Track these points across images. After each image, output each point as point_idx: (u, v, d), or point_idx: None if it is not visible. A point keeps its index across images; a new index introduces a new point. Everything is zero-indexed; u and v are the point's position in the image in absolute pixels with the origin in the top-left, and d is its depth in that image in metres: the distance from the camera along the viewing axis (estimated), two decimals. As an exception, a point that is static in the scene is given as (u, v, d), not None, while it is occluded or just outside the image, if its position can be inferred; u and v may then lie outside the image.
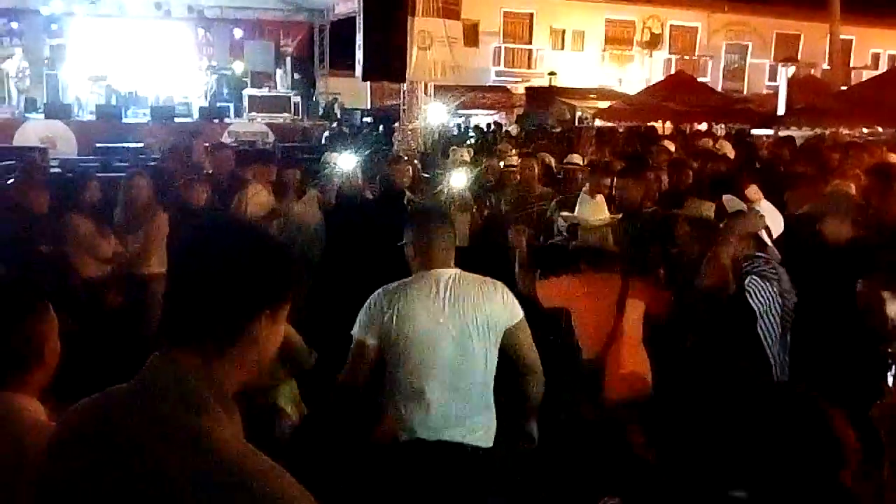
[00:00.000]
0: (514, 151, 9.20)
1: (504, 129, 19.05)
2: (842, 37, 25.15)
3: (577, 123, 23.80)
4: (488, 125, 20.93)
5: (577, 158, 8.37)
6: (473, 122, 23.73)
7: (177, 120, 19.15)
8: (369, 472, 3.47)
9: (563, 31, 30.97)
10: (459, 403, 3.31)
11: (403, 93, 17.86)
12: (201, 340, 1.47)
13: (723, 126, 19.37)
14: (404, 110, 17.70)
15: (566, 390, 3.60)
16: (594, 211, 4.71)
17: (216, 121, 19.44)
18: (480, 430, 3.37)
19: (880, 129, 16.14)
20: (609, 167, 7.35)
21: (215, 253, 1.50)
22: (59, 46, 20.92)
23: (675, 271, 4.17)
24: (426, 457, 3.28)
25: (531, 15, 30.44)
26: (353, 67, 17.56)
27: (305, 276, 5.98)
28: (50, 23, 20.70)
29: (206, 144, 10.41)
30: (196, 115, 20.04)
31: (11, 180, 6.54)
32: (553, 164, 8.57)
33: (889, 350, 3.41)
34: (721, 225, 4.18)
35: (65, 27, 21.17)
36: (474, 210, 6.93)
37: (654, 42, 31.96)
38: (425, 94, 17.92)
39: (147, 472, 1.36)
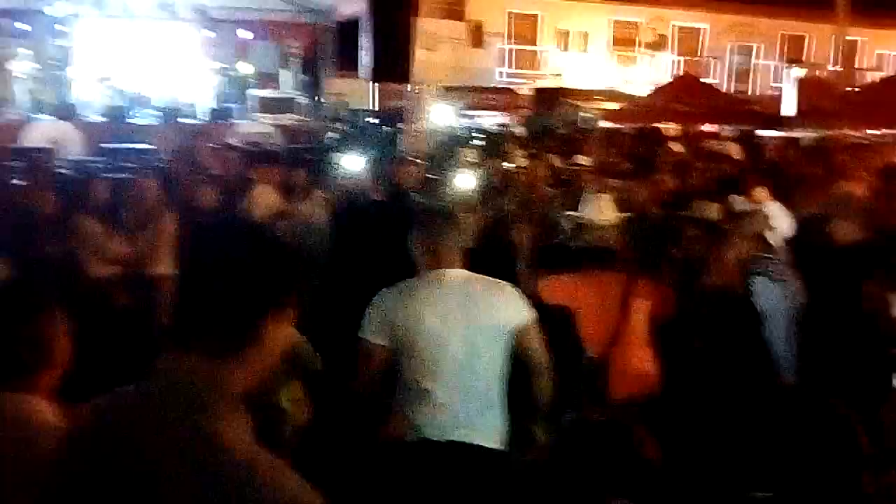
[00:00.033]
0: (520, 153, 9.20)
1: (510, 130, 19.01)
2: (848, 38, 25.06)
3: (582, 125, 23.78)
4: (494, 126, 20.91)
5: (583, 160, 8.39)
6: (479, 123, 23.71)
7: (183, 121, 19.17)
8: (377, 472, 3.47)
9: (569, 33, 30.95)
10: (468, 404, 3.30)
11: (409, 94, 17.86)
12: (210, 341, 1.48)
13: (729, 128, 19.33)
14: (410, 112, 17.69)
15: (570, 389, 3.59)
16: (600, 210, 4.70)
17: (222, 122, 19.47)
18: (490, 431, 3.36)
19: (887, 131, 16.09)
20: (615, 168, 7.36)
21: (223, 254, 1.51)
22: (66, 47, 20.96)
23: (682, 273, 4.17)
24: (434, 457, 3.27)
25: (536, 16, 30.42)
26: (358, 68, 17.58)
27: (312, 276, 6.00)
28: (57, 24, 20.74)
29: (213, 146, 10.44)
30: (202, 116, 20.08)
31: (19, 181, 6.56)
32: (559, 166, 8.57)
33: (896, 352, 3.42)
34: (727, 226, 4.18)
35: (71, 28, 21.22)
36: (480, 211, 6.93)
37: (659, 43, 31.91)
38: (431, 95, 17.92)
39: (159, 473, 1.36)
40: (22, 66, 19.62)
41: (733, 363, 3.64)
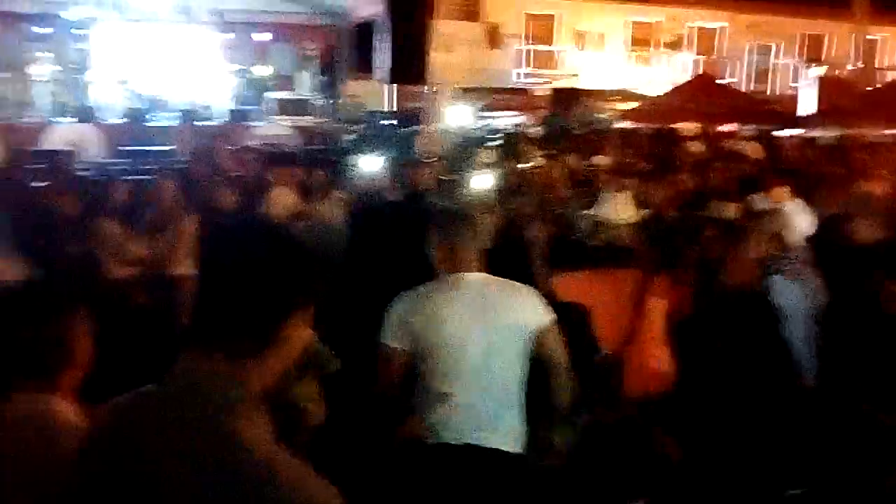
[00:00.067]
0: (537, 153, 9.19)
1: (527, 130, 18.98)
2: (868, 37, 24.88)
3: (600, 125, 23.71)
4: (511, 127, 20.87)
5: (601, 160, 8.37)
6: (496, 124, 23.68)
7: (202, 123, 19.28)
8: (394, 474, 3.47)
9: (586, 33, 30.86)
10: (488, 407, 3.28)
11: (426, 95, 17.89)
12: (233, 342, 1.48)
13: (748, 127, 19.21)
14: (427, 113, 17.71)
15: (585, 387, 3.57)
16: (617, 209, 4.68)
17: (241, 124, 19.56)
18: (509, 434, 3.34)
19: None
20: (632, 168, 7.35)
21: (246, 256, 1.51)
22: (86, 51, 21.13)
23: (699, 272, 4.15)
24: (452, 460, 3.26)
25: (553, 17, 30.37)
26: (375, 70, 17.61)
27: (330, 277, 6.00)
28: (76, 27, 20.91)
29: (232, 148, 10.49)
30: (221, 119, 20.18)
31: (40, 183, 6.62)
32: (576, 166, 8.55)
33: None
34: (745, 225, 4.16)
35: (91, 32, 21.38)
36: (497, 212, 6.93)
37: (677, 43, 31.78)
38: (448, 96, 17.94)
39: (179, 472, 1.37)
40: (42, 69, 19.79)
41: (752, 362, 3.62)
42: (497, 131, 19.81)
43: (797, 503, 3.90)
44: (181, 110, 19.87)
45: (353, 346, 4.78)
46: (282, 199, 6.93)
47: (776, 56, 32.92)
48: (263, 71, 22.82)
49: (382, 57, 16.63)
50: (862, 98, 18.14)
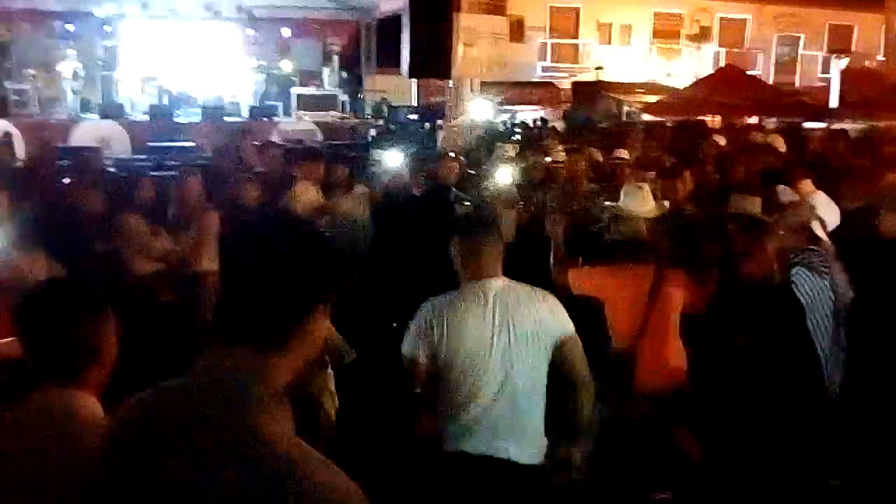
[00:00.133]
0: (560, 147, 9.13)
1: (550, 124, 18.91)
2: (897, 27, 24.53)
3: (624, 118, 23.57)
4: (534, 121, 20.80)
5: (624, 153, 8.31)
6: (519, 117, 23.62)
7: (226, 119, 19.39)
8: (414, 482, 3.49)
9: (610, 26, 30.68)
10: (508, 416, 3.28)
11: (449, 89, 17.88)
12: (257, 337, 1.49)
13: (774, 120, 19.02)
14: (450, 107, 17.71)
15: (599, 381, 3.55)
16: (639, 202, 4.66)
17: (265, 120, 19.66)
18: (530, 445, 3.34)
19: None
20: (656, 161, 7.30)
21: (271, 251, 1.52)
22: (113, 48, 21.33)
23: (721, 267, 4.10)
24: (471, 472, 3.26)
25: (577, 9, 30.21)
26: (399, 65, 17.65)
27: (353, 271, 6.05)
28: (104, 25, 21.11)
29: (256, 143, 10.53)
30: (245, 115, 20.29)
31: (68, 180, 6.69)
32: (600, 160, 8.50)
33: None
34: (770, 218, 4.12)
35: (117, 29, 21.58)
36: (520, 206, 6.92)
37: (702, 35, 31.50)
38: (471, 90, 17.92)
39: (201, 467, 1.39)
40: (70, 66, 19.99)
41: (776, 356, 3.58)
42: (521, 125, 19.76)
43: (836, 494, 3.88)
44: (207, 106, 20.00)
45: (376, 337, 4.82)
46: (305, 194, 6.95)
47: (803, 47, 32.55)
48: (288, 66, 22.90)
49: (406, 51, 16.65)
50: (890, 89, 17.89)
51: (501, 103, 23.84)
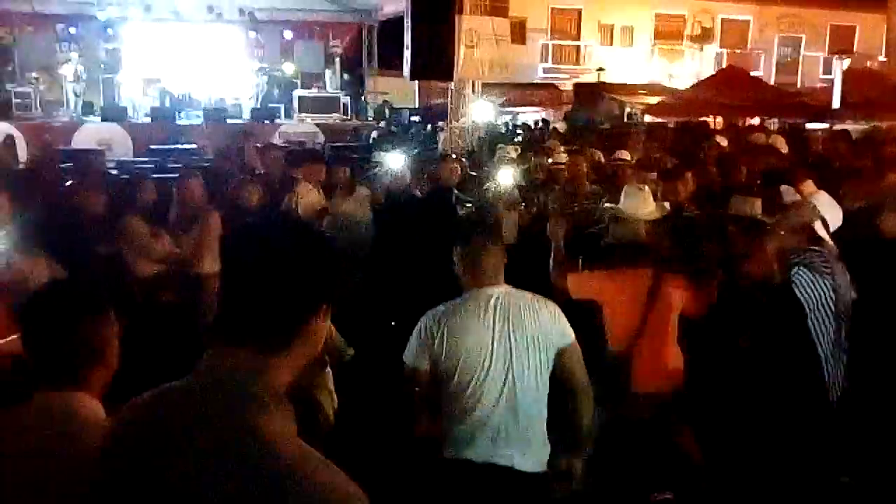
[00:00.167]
0: (562, 148, 9.14)
1: (552, 125, 18.92)
2: (898, 28, 24.51)
3: (625, 119, 23.58)
4: (536, 122, 20.82)
5: (626, 155, 8.31)
6: (521, 119, 23.65)
7: (229, 121, 19.43)
8: (415, 489, 3.49)
9: (612, 27, 30.68)
10: (510, 424, 3.27)
11: (451, 91, 17.89)
12: (258, 338, 1.50)
13: (776, 121, 19.01)
14: (452, 108, 17.72)
15: (594, 385, 3.54)
16: (639, 204, 4.65)
17: (267, 122, 19.69)
18: (532, 453, 3.33)
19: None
20: (658, 163, 7.29)
21: (272, 252, 1.52)
22: (115, 51, 21.37)
23: (722, 269, 4.10)
24: (473, 479, 3.26)
25: (579, 11, 30.23)
26: (401, 67, 17.66)
27: (355, 272, 6.05)
28: (106, 28, 21.14)
29: (258, 145, 10.55)
30: (247, 117, 20.33)
31: (70, 182, 6.69)
32: (602, 161, 8.51)
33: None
34: (772, 219, 4.12)
35: (120, 32, 21.62)
36: (522, 208, 6.92)
37: (704, 36, 31.51)
38: (473, 92, 17.93)
39: (202, 467, 1.39)
40: (73, 69, 20.03)
41: (777, 356, 3.58)
42: (522, 126, 19.78)
43: (844, 491, 3.88)
44: (209, 109, 20.03)
45: (377, 336, 4.82)
46: (307, 196, 6.96)
47: (804, 48, 32.54)
48: (290, 68, 22.92)
49: (409, 53, 16.66)
50: (892, 90, 17.88)
51: (503, 105, 23.86)
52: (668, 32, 31.33)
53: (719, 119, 19.20)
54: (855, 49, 29.02)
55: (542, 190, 7.53)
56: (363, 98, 23.76)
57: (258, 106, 21.02)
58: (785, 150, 9.31)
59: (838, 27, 32.42)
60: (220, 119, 19.28)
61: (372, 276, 6.18)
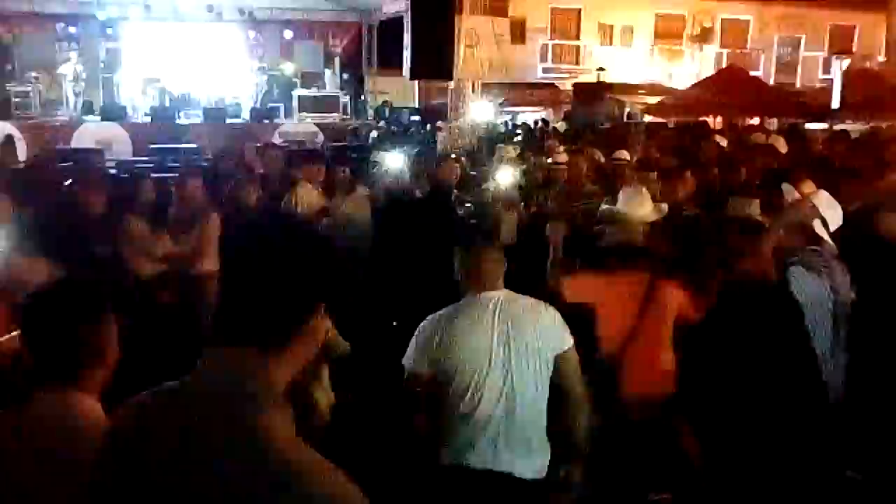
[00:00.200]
0: (561, 148, 9.15)
1: (551, 125, 18.92)
2: (898, 28, 24.52)
3: (625, 119, 23.57)
4: (535, 122, 20.82)
5: (625, 154, 8.31)
6: (520, 119, 23.65)
7: (228, 121, 19.43)
8: (414, 495, 3.48)
9: (612, 27, 30.67)
10: (509, 429, 3.26)
11: (451, 91, 17.90)
12: (258, 337, 1.50)
13: (775, 121, 19.01)
14: (451, 108, 17.73)
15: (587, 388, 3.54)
16: (636, 205, 4.64)
17: (267, 121, 19.70)
18: (532, 458, 3.32)
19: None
20: (657, 163, 7.29)
21: (272, 251, 1.52)
22: (115, 50, 21.39)
23: (719, 270, 4.09)
24: (472, 486, 3.25)
25: (579, 11, 30.21)
26: (401, 66, 17.67)
27: (355, 271, 6.04)
28: (105, 27, 21.16)
29: (257, 145, 10.55)
30: (247, 116, 20.34)
31: (70, 182, 6.69)
32: (601, 161, 8.51)
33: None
34: (770, 220, 4.12)
35: (120, 31, 21.63)
36: (521, 208, 6.92)
37: (704, 36, 31.49)
38: (472, 91, 17.93)
39: (203, 467, 1.39)
40: (72, 68, 20.03)
41: (772, 353, 3.57)
42: (521, 126, 19.78)
43: (854, 486, 3.89)
44: (208, 108, 20.03)
45: (377, 335, 4.82)
46: (307, 196, 6.96)
47: (804, 48, 32.54)
48: (290, 68, 22.92)
49: (408, 52, 16.67)
50: (891, 90, 17.88)
51: (503, 104, 23.84)
52: (668, 32, 31.30)
53: (719, 119, 19.19)
54: (854, 49, 29.02)
55: (542, 190, 7.53)
56: (363, 98, 23.76)
57: (258, 105, 21.02)
58: (784, 150, 9.32)
59: (838, 27, 32.40)
60: (219, 119, 19.28)
61: (372, 276, 6.18)
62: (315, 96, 21.75)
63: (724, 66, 27.14)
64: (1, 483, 2.03)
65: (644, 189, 4.86)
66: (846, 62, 20.04)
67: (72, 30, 21.19)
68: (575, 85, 26.88)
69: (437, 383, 3.31)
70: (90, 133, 17.80)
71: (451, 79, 17.22)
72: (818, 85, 27.22)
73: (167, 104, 20.14)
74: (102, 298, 2.26)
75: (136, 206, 6.07)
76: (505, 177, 7.13)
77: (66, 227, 5.37)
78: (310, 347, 1.58)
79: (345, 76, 23.90)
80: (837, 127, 15.51)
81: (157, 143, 17.30)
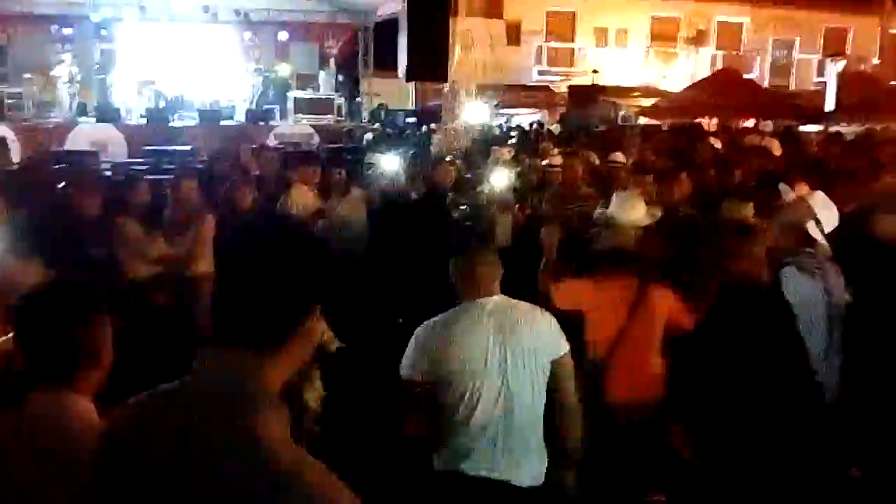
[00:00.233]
0: (556, 151, 9.16)
1: (546, 128, 18.94)
2: (892, 31, 24.59)
3: (620, 122, 23.60)
4: (531, 124, 20.83)
5: (620, 157, 8.32)
6: (515, 121, 23.65)
7: (223, 122, 19.39)
8: (409, 500, 3.47)
9: (607, 29, 30.72)
10: (506, 435, 3.25)
11: (446, 93, 17.90)
12: (253, 339, 1.50)
13: (770, 123, 19.05)
14: (446, 110, 17.72)
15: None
16: (629, 209, 4.64)
17: (262, 123, 19.65)
18: (527, 464, 3.31)
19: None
20: (652, 165, 7.30)
21: (267, 253, 1.53)
22: (109, 51, 21.32)
23: (712, 274, 4.09)
24: (467, 493, 3.24)
25: (574, 13, 30.26)
26: (396, 68, 17.66)
27: (350, 273, 6.03)
28: (100, 28, 21.09)
29: (253, 147, 10.54)
30: (242, 118, 20.29)
31: (64, 184, 6.68)
32: (596, 163, 8.52)
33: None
34: (763, 223, 4.12)
35: (114, 33, 21.56)
36: (516, 210, 6.92)
37: (699, 38, 31.56)
38: (467, 93, 17.93)
39: (199, 469, 1.39)
40: (67, 70, 19.99)
41: (764, 354, 3.57)
42: (516, 128, 19.79)
43: (855, 485, 3.89)
44: (203, 110, 19.99)
45: (371, 336, 4.81)
46: (302, 198, 6.96)
47: (798, 50, 32.62)
48: (285, 70, 22.90)
49: (403, 55, 16.66)
50: (885, 93, 17.95)
51: (497, 106, 23.84)
52: (663, 34, 31.37)
53: (714, 121, 19.23)
54: (848, 52, 29.09)
55: (537, 192, 7.53)
56: (358, 99, 23.75)
57: (253, 107, 20.96)
58: (779, 152, 9.34)
59: (832, 30, 32.51)
60: (214, 120, 19.24)
61: (367, 278, 6.18)
62: (310, 98, 21.72)
63: (718, 68, 27.20)
64: (1, 483, 2.03)
65: (636, 193, 4.86)
66: (840, 64, 20.12)
67: (66, 31, 21.10)
68: (570, 87, 26.93)
69: (434, 389, 3.30)
70: (85, 135, 17.74)
71: (446, 81, 17.21)
72: (812, 87, 27.31)
73: (162, 106, 20.08)
74: (97, 300, 2.25)
75: (130, 207, 6.06)
76: (500, 179, 7.12)
77: (61, 229, 5.35)
78: (305, 349, 1.59)
79: (340, 78, 23.86)
80: (832, 129, 15.56)
81: (151, 144, 17.24)
